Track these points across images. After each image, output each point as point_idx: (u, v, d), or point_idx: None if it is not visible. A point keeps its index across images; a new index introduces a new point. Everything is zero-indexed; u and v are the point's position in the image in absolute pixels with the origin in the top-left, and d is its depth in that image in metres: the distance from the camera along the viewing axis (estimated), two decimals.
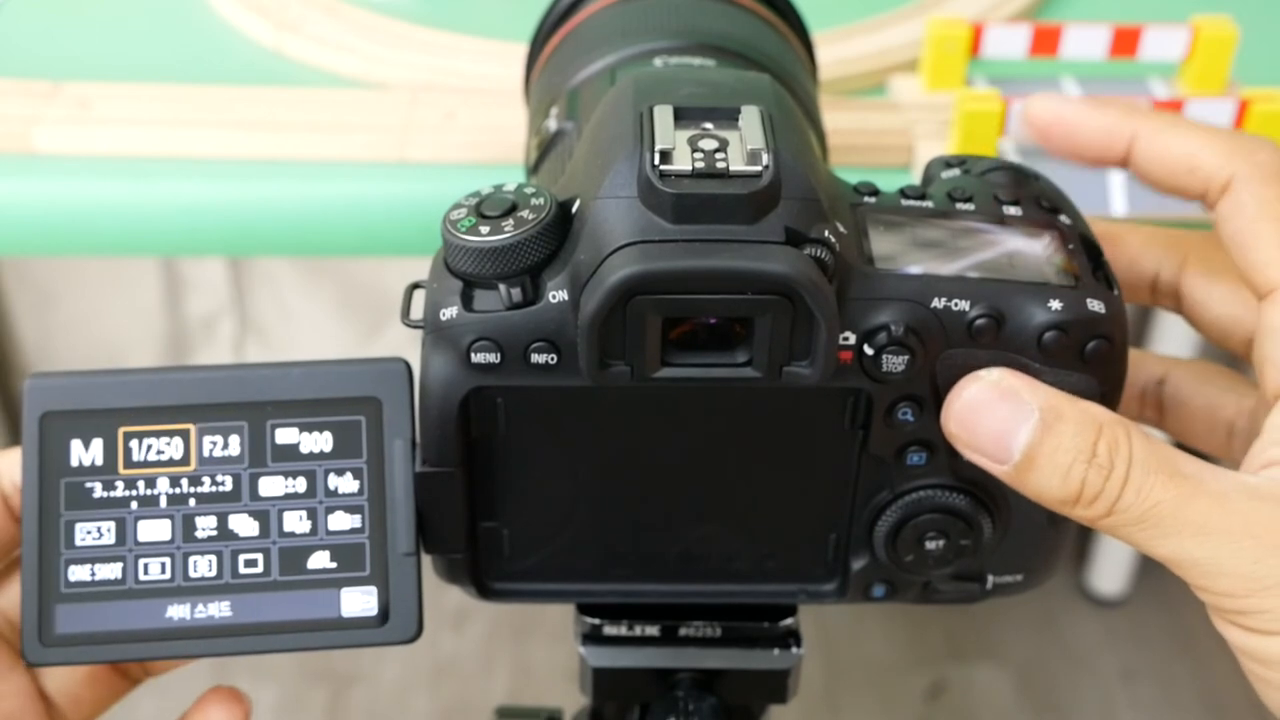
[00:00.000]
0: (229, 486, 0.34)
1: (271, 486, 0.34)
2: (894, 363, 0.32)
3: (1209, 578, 0.30)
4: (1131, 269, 0.39)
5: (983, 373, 0.32)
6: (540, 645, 1.32)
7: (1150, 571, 1.37)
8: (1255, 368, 0.33)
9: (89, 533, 0.33)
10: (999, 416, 0.31)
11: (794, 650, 0.39)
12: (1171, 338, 1.19)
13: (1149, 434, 0.31)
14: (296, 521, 0.34)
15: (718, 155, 0.30)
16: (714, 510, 0.36)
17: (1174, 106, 0.55)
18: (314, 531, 0.34)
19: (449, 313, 0.32)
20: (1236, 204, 0.33)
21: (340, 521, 0.34)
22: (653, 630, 0.39)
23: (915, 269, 0.32)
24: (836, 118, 0.53)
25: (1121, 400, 0.33)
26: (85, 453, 0.34)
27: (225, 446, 0.34)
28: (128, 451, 0.34)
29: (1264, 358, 0.32)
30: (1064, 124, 0.35)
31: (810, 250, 0.30)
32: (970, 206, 0.34)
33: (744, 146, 0.30)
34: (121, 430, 0.34)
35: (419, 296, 0.33)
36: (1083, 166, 0.36)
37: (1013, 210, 0.34)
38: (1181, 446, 0.32)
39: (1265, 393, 0.32)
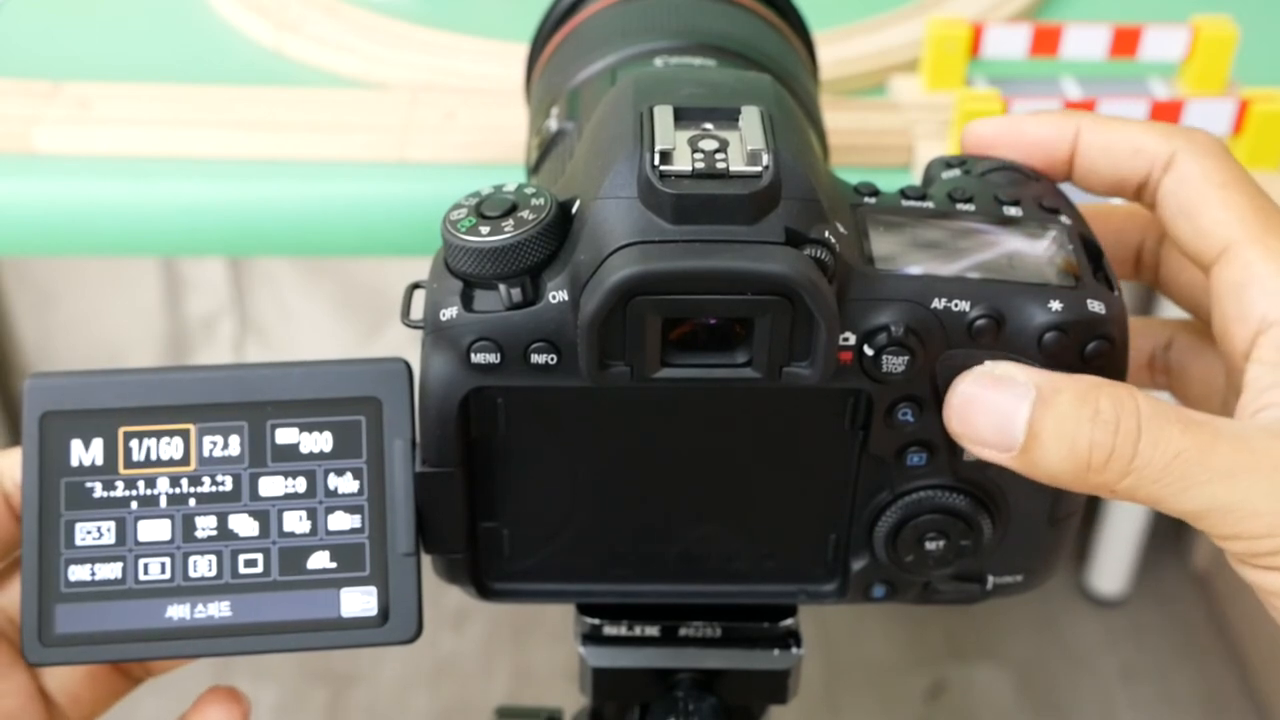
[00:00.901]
0: (229, 486, 0.34)
1: (271, 486, 0.34)
2: (894, 363, 0.32)
3: (1242, 522, 0.30)
4: (1117, 242, 0.39)
5: (976, 366, 0.32)
6: (540, 645, 1.32)
7: (1150, 571, 1.37)
8: (1217, 335, 0.33)
9: (89, 533, 0.33)
10: (997, 403, 0.31)
11: (794, 650, 0.39)
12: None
13: (1155, 396, 0.31)
14: (296, 521, 0.34)
15: (718, 156, 0.30)
16: (714, 510, 0.36)
17: (1174, 107, 0.55)
18: (314, 531, 0.34)
19: (449, 313, 0.32)
20: (1181, 176, 0.34)
21: (340, 521, 0.34)
22: (653, 630, 0.39)
23: (915, 269, 0.32)
24: (836, 118, 0.53)
25: (1128, 377, 0.33)
26: (85, 453, 0.34)
27: (225, 446, 0.34)
28: (128, 451, 0.34)
29: (1226, 317, 0.33)
30: (1009, 133, 0.36)
31: (810, 251, 0.30)
32: (970, 207, 0.34)
33: (744, 147, 0.30)
34: (121, 430, 0.34)
35: (419, 296, 0.33)
36: None
37: (1013, 210, 0.34)
38: None
39: (1234, 354, 0.33)
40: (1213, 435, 0.30)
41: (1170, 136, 0.34)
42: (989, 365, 0.32)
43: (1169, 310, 1.27)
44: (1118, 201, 0.37)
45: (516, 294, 0.31)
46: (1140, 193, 0.35)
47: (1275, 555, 0.30)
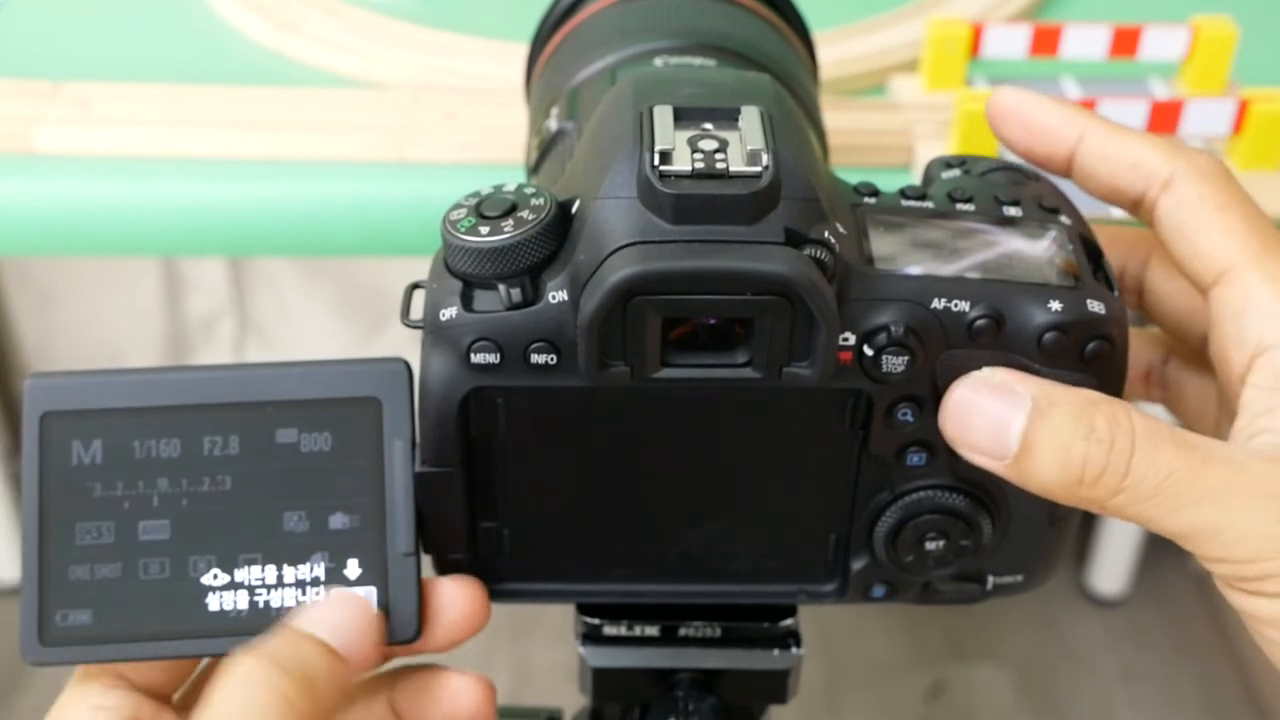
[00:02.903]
0: (229, 486, 0.34)
1: (271, 487, 0.34)
2: (894, 363, 0.32)
3: (1229, 545, 0.30)
4: None
5: (974, 371, 0.32)
6: (540, 645, 1.32)
7: (1150, 571, 1.37)
8: (1214, 358, 0.33)
9: (89, 532, 0.33)
10: (993, 411, 0.31)
11: (794, 650, 0.39)
12: None
13: (1150, 413, 0.31)
14: (296, 521, 0.34)
15: (717, 156, 0.30)
16: (714, 510, 0.36)
17: (1174, 107, 0.55)
18: (314, 531, 0.34)
19: (449, 313, 0.32)
20: (1178, 198, 0.34)
21: (340, 521, 0.34)
22: (652, 630, 0.39)
23: (915, 269, 0.32)
24: (836, 118, 0.53)
25: (1125, 388, 0.33)
26: (85, 453, 0.34)
27: (225, 446, 0.34)
28: (128, 451, 0.34)
29: (1224, 339, 0.33)
30: (1022, 112, 0.36)
31: (810, 251, 0.30)
32: (970, 207, 0.34)
33: (744, 147, 0.30)
34: (121, 430, 0.34)
35: (419, 296, 0.33)
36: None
37: (1013, 210, 0.34)
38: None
39: (1230, 377, 0.33)
40: (1205, 457, 0.30)
41: (1172, 157, 0.34)
42: (987, 372, 0.32)
43: None
44: (1113, 214, 0.37)
45: (516, 294, 0.31)
46: (1137, 207, 0.35)
47: (1261, 580, 0.30)
